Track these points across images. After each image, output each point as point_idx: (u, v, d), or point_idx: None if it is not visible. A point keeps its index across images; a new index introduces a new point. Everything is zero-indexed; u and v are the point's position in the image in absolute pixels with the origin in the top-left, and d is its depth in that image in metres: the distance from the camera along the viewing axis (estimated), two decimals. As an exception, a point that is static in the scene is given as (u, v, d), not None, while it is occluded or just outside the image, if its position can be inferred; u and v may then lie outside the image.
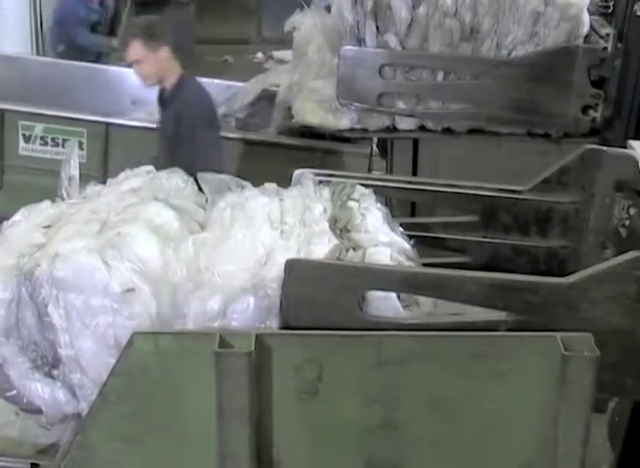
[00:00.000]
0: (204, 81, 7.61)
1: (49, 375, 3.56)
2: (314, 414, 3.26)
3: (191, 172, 4.16)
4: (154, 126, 6.47)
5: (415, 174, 6.21)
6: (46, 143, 6.39)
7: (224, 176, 4.01)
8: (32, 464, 3.58)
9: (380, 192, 4.14)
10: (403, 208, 5.55)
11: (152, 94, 7.36)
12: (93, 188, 4.04)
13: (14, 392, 3.59)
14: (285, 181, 4.10)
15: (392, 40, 6.00)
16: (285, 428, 3.26)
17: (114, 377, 3.24)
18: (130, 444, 3.32)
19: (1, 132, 6.50)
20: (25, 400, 3.60)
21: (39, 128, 6.37)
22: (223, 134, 6.48)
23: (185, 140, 5.33)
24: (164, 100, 5.64)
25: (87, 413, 3.36)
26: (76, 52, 8.53)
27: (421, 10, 5.97)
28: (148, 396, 3.25)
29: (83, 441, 3.34)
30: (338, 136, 6.35)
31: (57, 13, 8.77)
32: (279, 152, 6.34)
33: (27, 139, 6.36)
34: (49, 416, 3.64)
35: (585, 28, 6.01)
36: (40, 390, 3.57)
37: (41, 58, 8.19)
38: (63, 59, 8.45)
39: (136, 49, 4.97)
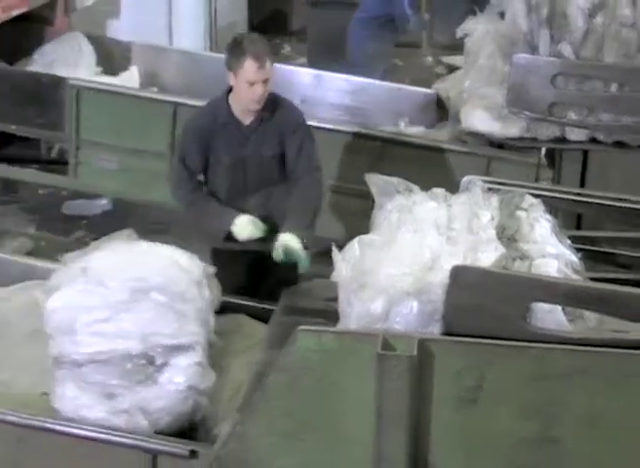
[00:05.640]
0: (365, 82, 7.64)
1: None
2: (472, 422, 3.25)
3: None
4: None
5: (582, 186, 6.09)
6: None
7: (392, 179, 4.01)
8: (191, 451, 3.65)
9: (546, 203, 4.08)
10: (568, 220, 5.46)
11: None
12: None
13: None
14: (449, 186, 4.08)
15: (567, 49, 5.90)
16: (442, 434, 3.26)
17: (276, 373, 3.30)
18: (287, 439, 3.37)
19: (173, 125, 6.63)
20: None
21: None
22: (391, 136, 6.49)
23: None
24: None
25: (247, 406, 3.43)
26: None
27: (598, 19, 5.86)
28: (308, 393, 3.29)
29: (241, 433, 3.41)
30: (504, 144, 6.28)
31: (363, 13, 8.71)
32: (444, 157, 6.30)
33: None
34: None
35: None
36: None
37: (215, 55, 8.33)
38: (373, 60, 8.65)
39: (269, 67, 4.83)
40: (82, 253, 4.21)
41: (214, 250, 4.89)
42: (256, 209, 4.81)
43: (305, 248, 4.59)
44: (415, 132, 6.85)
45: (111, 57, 7.65)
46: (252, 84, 4.63)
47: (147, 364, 3.77)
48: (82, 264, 3.88)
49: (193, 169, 4.83)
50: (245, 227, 4.71)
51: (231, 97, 4.80)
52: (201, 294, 3.93)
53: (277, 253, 4.57)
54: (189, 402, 3.78)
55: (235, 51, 4.70)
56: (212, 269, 4.17)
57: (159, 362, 3.78)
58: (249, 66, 4.61)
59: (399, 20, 8.53)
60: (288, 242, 4.57)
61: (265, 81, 4.66)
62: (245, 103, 4.74)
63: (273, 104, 4.83)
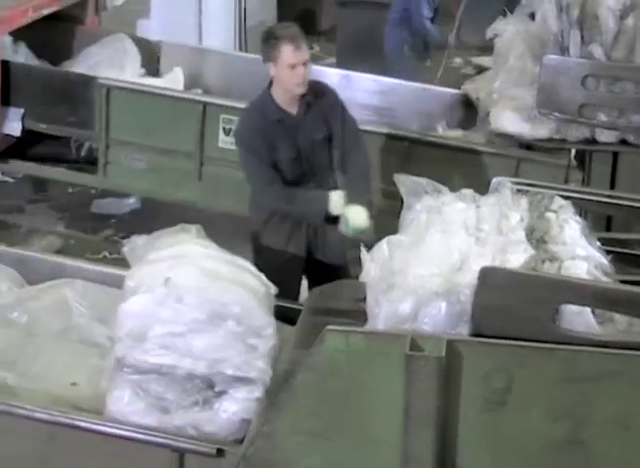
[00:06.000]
0: (394, 82, 7.62)
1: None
2: (500, 424, 3.24)
3: None
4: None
5: (612, 187, 6.06)
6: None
7: (421, 180, 4.01)
8: (218, 450, 3.66)
9: (576, 204, 4.07)
10: (598, 222, 5.43)
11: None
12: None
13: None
14: (478, 187, 4.07)
15: (597, 50, 5.88)
16: (469, 436, 3.26)
17: (304, 372, 3.30)
18: (314, 438, 3.38)
19: (202, 124, 6.64)
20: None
21: (239, 121, 6.47)
22: (419, 137, 6.49)
23: None
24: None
25: (274, 405, 3.43)
26: (420, 48, 8.61)
27: (629, 20, 5.83)
28: (336, 393, 3.29)
29: (268, 431, 3.41)
30: (534, 145, 6.26)
31: (396, 14, 8.68)
32: (474, 158, 6.29)
33: (227, 132, 6.48)
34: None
35: None
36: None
37: (244, 55, 8.35)
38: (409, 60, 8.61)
39: (306, 50, 4.90)
40: (147, 239, 4.20)
41: (257, 247, 4.99)
42: None
43: (370, 217, 4.77)
44: (452, 135, 6.85)
45: (151, 58, 7.68)
46: (293, 67, 4.69)
47: (207, 388, 3.76)
48: (165, 273, 3.80)
49: (271, 165, 4.84)
50: (339, 201, 4.82)
51: (274, 91, 4.86)
52: (274, 332, 3.86)
53: (346, 226, 4.75)
54: (241, 433, 3.74)
55: (270, 40, 4.76)
56: (275, 290, 4.10)
57: (219, 389, 3.75)
58: (287, 50, 4.67)
59: (415, 27, 8.53)
60: (355, 214, 4.74)
61: (305, 63, 4.72)
62: (290, 89, 4.78)
63: (314, 89, 4.90)
